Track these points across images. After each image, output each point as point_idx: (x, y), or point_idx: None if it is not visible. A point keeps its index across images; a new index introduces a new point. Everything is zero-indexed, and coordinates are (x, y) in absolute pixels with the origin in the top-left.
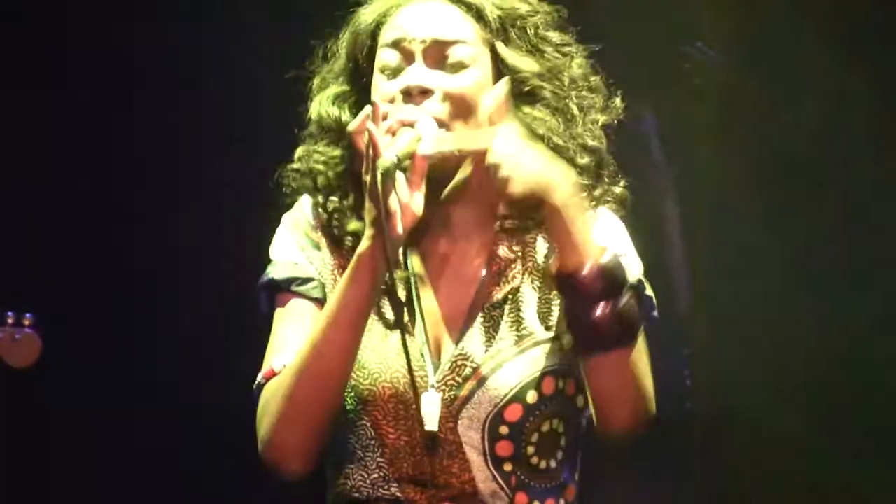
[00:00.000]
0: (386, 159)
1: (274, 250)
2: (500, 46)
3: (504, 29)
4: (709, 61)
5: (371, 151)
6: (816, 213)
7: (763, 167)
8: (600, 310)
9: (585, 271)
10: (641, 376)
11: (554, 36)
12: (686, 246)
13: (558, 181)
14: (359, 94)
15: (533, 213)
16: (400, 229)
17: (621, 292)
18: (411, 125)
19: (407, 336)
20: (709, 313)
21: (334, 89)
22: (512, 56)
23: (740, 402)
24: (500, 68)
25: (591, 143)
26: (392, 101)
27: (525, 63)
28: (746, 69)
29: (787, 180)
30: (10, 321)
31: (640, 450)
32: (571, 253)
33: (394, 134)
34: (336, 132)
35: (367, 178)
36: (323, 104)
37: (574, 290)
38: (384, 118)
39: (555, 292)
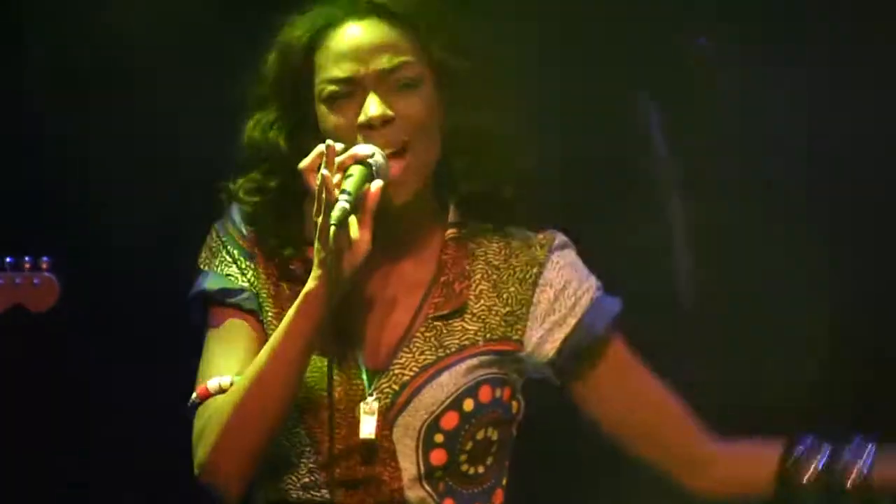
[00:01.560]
0: (339, 209)
1: (204, 260)
2: (436, 51)
3: (435, 34)
4: (711, 56)
5: (325, 196)
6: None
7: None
8: None
9: None
10: None
11: (477, 45)
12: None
13: None
14: (296, 120)
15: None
16: (349, 270)
17: None
18: (363, 161)
19: (345, 346)
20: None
21: (269, 115)
22: (450, 59)
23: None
24: (439, 72)
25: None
26: (347, 132)
27: (462, 64)
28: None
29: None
30: (27, 266)
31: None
32: None
33: (345, 171)
34: (274, 161)
35: (319, 220)
36: (257, 131)
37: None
38: (337, 154)
39: (503, 304)
